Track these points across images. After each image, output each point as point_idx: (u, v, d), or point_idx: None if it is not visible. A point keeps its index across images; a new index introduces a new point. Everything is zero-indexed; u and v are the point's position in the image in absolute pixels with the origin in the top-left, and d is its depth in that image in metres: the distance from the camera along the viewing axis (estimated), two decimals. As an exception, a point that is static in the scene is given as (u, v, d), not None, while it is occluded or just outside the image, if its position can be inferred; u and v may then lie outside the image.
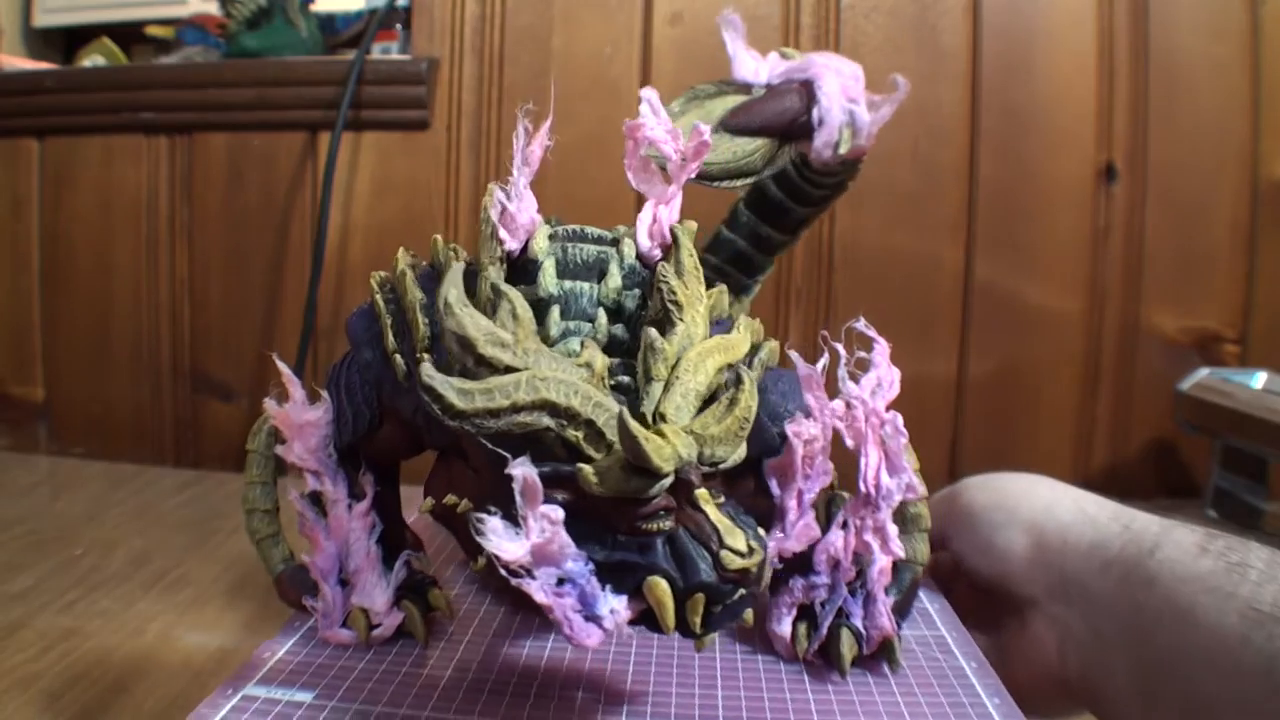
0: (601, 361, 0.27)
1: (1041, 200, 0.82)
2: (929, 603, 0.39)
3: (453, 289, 0.26)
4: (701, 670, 0.34)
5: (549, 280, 0.30)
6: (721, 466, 0.26)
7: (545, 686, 0.32)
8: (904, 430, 0.33)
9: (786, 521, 0.32)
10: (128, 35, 1.00)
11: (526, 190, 0.32)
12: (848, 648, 0.33)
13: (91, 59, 0.99)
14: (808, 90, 0.42)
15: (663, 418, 0.25)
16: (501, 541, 0.23)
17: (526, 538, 0.24)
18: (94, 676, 0.46)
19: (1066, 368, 0.84)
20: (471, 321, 0.26)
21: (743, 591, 0.25)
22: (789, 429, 0.31)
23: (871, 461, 0.33)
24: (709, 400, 0.27)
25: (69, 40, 1.06)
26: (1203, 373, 0.75)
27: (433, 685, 0.32)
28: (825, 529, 0.34)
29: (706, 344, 0.28)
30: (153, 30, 0.98)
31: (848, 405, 0.33)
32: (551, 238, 0.32)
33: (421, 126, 0.86)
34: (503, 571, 0.24)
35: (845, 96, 0.42)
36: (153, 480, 0.86)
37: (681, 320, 0.28)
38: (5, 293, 0.95)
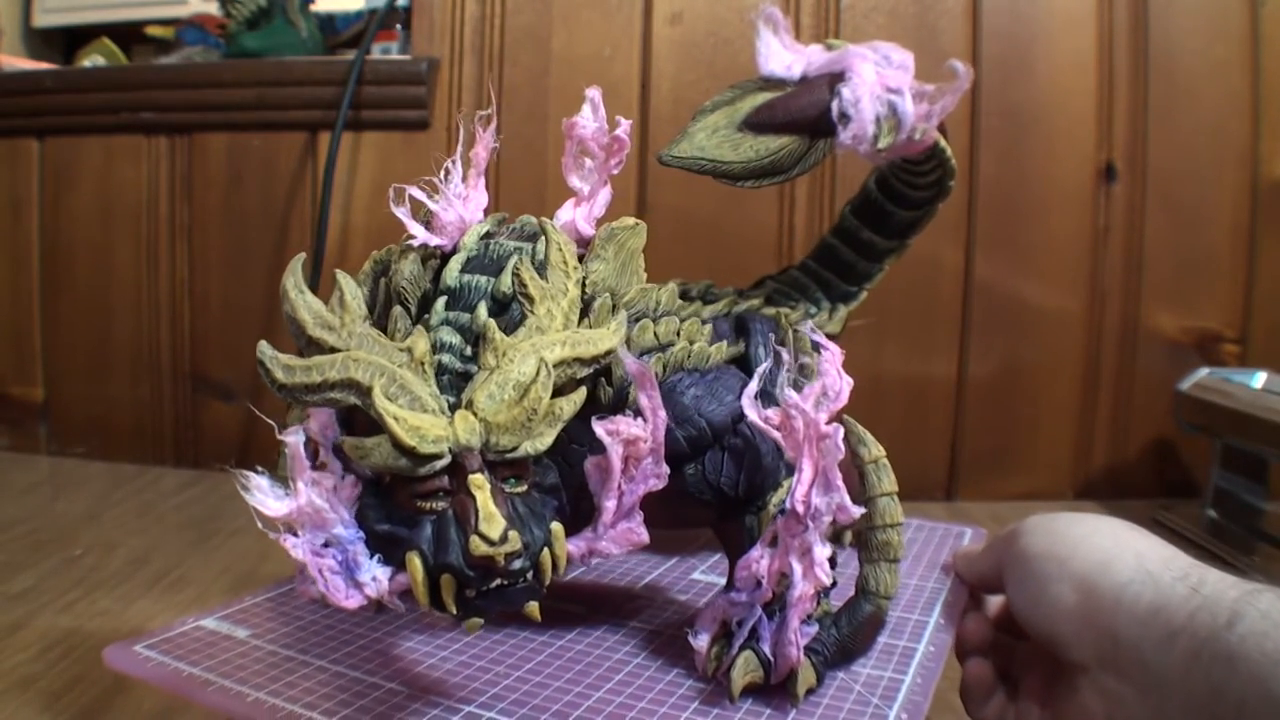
0: (422, 347, 0.28)
1: (1041, 200, 0.82)
2: (926, 644, 0.36)
3: (290, 278, 0.29)
4: (604, 671, 0.34)
5: (449, 274, 0.32)
6: (509, 456, 0.27)
7: (433, 669, 0.34)
8: (842, 446, 0.30)
9: (600, 522, 0.30)
10: (128, 35, 1.01)
11: (476, 189, 0.33)
12: (740, 672, 0.32)
13: (91, 59, 0.99)
14: (835, 83, 0.40)
15: (470, 404, 0.27)
16: (265, 499, 0.26)
17: (294, 499, 0.26)
18: (94, 676, 0.46)
19: (1066, 368, 0.84)
20: (304, 306, 0.29)
21: (501, 582, 0.26)
22: (600, 427, 0.29)
23: (805, 477, 0.31)
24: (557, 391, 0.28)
25: (69, 40, 1.06)
26: (1203, 373, 0.75)
27: (355, 642, 0.35)
28: (753, 543, 0.33)
29: (548, 337, 0.29)
30: (153, 30, 0.98)
31: (786, 414, 0.31)
32: (486, 235, 0.34)
33: (421, 126, 0.86)
34: (260, 524, 0.26)
35: (883, 86, 0.39)
36: (153, 480, 0.86)
37: (532, 313, 0.30)
38: (5, 293, 0.95)
